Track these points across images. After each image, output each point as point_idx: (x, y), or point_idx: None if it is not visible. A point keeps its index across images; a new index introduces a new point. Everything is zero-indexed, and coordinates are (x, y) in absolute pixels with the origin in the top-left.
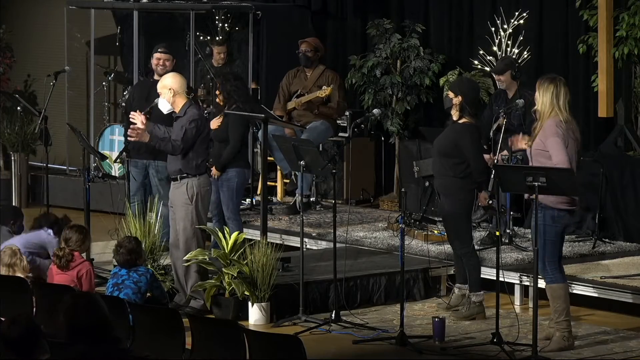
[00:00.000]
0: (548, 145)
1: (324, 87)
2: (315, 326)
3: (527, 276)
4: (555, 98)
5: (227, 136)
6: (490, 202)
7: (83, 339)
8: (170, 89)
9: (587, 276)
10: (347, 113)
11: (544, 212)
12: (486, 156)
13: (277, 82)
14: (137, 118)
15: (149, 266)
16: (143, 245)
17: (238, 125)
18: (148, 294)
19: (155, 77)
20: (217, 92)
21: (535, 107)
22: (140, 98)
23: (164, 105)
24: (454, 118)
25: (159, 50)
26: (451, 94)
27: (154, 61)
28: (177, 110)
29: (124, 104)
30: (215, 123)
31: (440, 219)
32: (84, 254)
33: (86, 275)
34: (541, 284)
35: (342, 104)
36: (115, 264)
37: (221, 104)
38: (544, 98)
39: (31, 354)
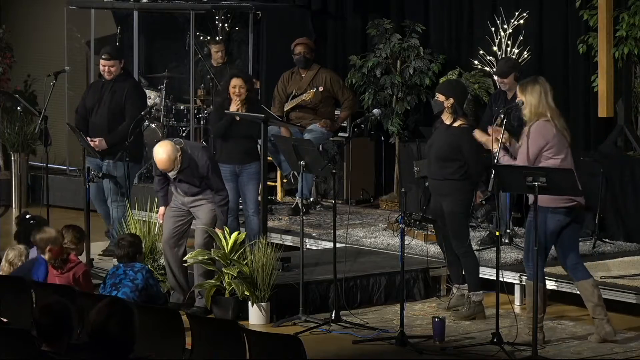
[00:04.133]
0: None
1: (309, 91)
2: (315, 326)
3: (526, 276)
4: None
5: (250, 132)
6: (484, 202)
7: (104, 350)
8: (173, 160)
9: None
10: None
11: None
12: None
13: (277, 82)
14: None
15: (149, 266)
16: (143, 245)
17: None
18: None
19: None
20: (244, 90)
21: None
22: (93, 98)
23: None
24: (447, 122)
25: (102, 57)
26: (441, 97)
27: (100, 67)
28: (177, 168)
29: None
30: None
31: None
32: (79, 256)
33: (83, 276)
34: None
35: (352, 96)
36: (115, 262)
37: (242, 100)
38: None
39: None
